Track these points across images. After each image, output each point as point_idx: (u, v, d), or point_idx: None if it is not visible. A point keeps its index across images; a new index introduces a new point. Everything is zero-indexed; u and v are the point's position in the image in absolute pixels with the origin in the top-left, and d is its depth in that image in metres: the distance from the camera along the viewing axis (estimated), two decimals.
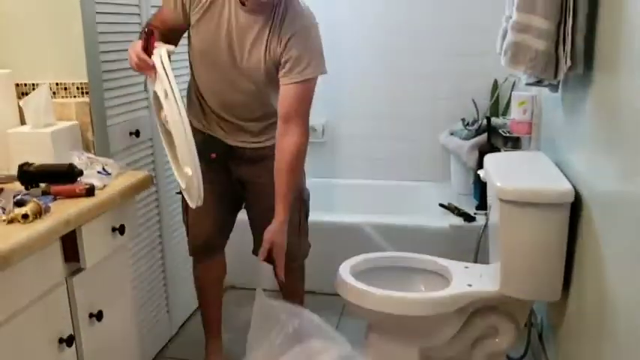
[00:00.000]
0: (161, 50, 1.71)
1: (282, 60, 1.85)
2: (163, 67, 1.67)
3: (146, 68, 1.73)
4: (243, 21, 1.85)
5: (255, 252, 2.19)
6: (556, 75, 1.78)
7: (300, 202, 2.14)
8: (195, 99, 2.04)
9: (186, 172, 1.75)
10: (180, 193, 2.02)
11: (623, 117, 1.46)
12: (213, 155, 2.00)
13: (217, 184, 2.07)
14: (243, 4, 1.84)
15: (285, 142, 1.89)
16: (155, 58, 1.70)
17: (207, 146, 1.98)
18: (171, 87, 1.66)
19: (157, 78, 1.71)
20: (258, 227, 2.11)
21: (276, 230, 1.90)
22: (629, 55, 1.43)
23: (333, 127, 3.59)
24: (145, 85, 1.88)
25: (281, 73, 1.87)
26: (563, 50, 1.72)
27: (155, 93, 1.75)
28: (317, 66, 1.87)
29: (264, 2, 1.80)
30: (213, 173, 2.02)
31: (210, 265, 2.30)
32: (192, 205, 1.82)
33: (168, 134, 1.81)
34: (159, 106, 1.78)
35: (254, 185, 2.11)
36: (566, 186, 1.80)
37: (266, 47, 1.86)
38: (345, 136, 3.58)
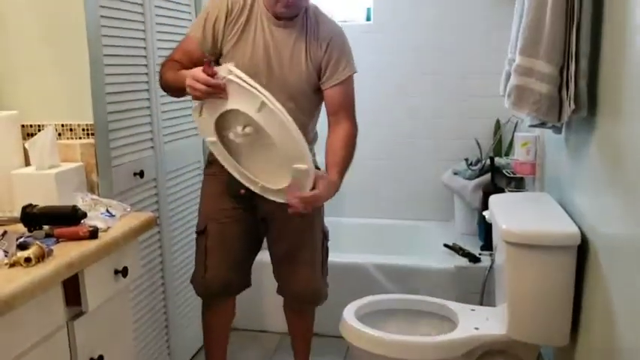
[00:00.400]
0: (229, 67, 1.73)
1: (323, 63, 1.96)
2: (246, 81, 1.69)
3: (217, 90, 1.73)
4: (279, 35, 1.92)
5: (280, 292, 2.18)
6: (559, 118, 1.78)
7: (324, 241, 2.14)
8: None
9: (298, 167, 1.77)
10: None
11: (627, 161, 1.46)
12: (242, 191, 2.00)
13: (242, 223, 2.06)
14: (278, 18, 1.91)
15: (336, 132, 1.99)
16: (230, 77, 1.71)
17: (235, 183, 1.98)
18: (265, 95, 1.69)
19: (233, 95, 1.73)
20: (282, 265, 2.11)
21: (327, 184, 1.86)
22: (632, 99, 1.44)
23: None
24: (200, 111, 1.85)
25: (323, 79, 1.97)
26: (567, 94, 1.73)
27: (222, 113, 1.79)
28: (352, 65, 2.02)
29: (298, 7, 1.87)
30: (238, 211, 2.04)
31: (222, 309, 2.25)
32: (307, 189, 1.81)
33: (236, 152, 1.88)
34: (228, 125, 1.81)
35: (280, 221, 2.09)
36: (572, 228, 1.79)
37: (306, 52, 1.94)
38: (349, 175, 3.58)
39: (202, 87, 1.73)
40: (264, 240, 2.22)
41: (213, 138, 1.88)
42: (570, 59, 1.72)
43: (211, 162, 2.09)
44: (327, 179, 1.87)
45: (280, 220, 2.08)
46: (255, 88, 1.69)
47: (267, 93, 1.69)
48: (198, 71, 1.74)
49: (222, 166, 1.99)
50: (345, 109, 2.00)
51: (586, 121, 1.80)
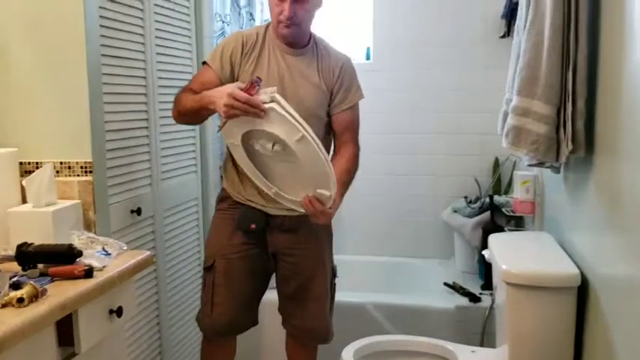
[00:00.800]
0: (270, 93, 1.73)
1: (335, 88, 2.01)
2: (289, 113, 1.71)
3: (257, 111, 1.71)
4: (291, 62, 1.98)
5: (287, 327, 2.19)
6: (557, 158, 1.78)
7: (332, 278, 2.13)
8: (233, 171, 2.05)
9: (322, 192, 1.81)
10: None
11: (626, 201, 1.46)
12: (253, 226, 2.00)
13: (251, 259, 2.05)
14: (290, 46, 1.96)
15: (341, 153, 2.06)
16: (272, 105, 1.71)
17: (246, 218, 1.99)
18: (306, 129, 1.71)
19: (272, 121, 1.73)
20: (292, 300, 2.10)
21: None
22: (629, 140, 1.44)
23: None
24: (220, 128, 1.87)
25: (334, 103, 2.03)
26: (564, 134, 1.73)
27: (256, 133, 1.80)
28: (360, 91, 2.11)
29: (296, 23, 1.89)
30: (248, 247, 2.04)
31: (225, 346, 2.21)
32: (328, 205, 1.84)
33: (255, 157, 1.90)
34: (255, 135, 1.82)
35: (290, 257, 2.09)
36: (572, 270, 1.78)
37: (319, 77, 1.99)
38: (349, 212, 3.58)
39: (242, 105, 1.70)
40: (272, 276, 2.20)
41: (236, 142, 1.87)
42: (567, 100, 1.73)
43: (223, 198, 2.10)
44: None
45: (291, 255, 2.08)
46: (298, 122, 1.70)
47: (307, 126, 1.72)
48: (237, 90, 1.72)
49: (235, 202, 2.02)
50: (351, 132, 2.08)
51: (584, 160, 1.80)
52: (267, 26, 2.03)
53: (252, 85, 1.74)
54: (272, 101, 1.70)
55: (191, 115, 1.95)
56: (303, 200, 1.81)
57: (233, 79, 1.98)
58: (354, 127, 2.09)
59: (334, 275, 2.18)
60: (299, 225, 2.03)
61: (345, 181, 1.99)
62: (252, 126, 1.78)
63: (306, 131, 1.70)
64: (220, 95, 1.75)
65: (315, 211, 1.82)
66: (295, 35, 1.95)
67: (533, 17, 1.84)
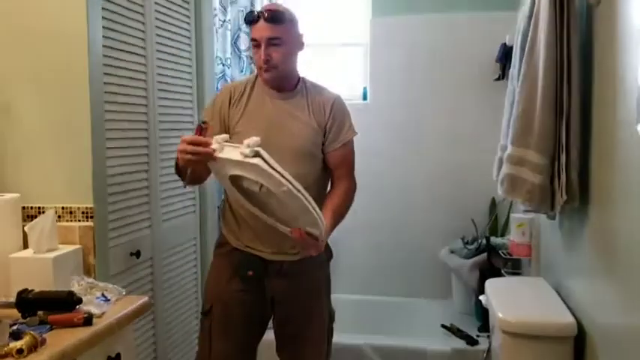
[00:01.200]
0: (254, 142, 1.65)
1: (327, 126, 2.00)
2: (272, 167, 1.67)
3: (205, 150, 1.65)
4: (281, 105, 1.98)
5: None
6: (552, 207, 1.81)
7: (330, 322, 2.13)
8: (231, 215, 2.04)
9: (311, 231, 1.78)
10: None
11: (621, 250, 1.48)
12: (251, 273, 1.99)
13: (248, 305, 2.03)
14: (278, 91, 1.97)
15: (336, 186, 2.05)
16: (255, 161, 1.64)
17: (244, 264, 1.98)
18: (290, 182, 1.67)
19: (257, 173, 1.68)
20: (289, 344, 2.09)
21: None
22: (622, 190, 1.47)
23: (332, 241, 3.60)
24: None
25: (327, 141, 2.01)
26: (559, 184, 1.76)
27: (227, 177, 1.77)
28: (353, 128, 2.07)
29: (274, 65, 1.89)
30: (246, 294, 2.01)
31: None
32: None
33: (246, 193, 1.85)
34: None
35: (288, 302, 2.07)
36: (568, 319, 1.79)
37: (309, 112, 1.99)
38: (345, 251, 3.59)
39: (190, 147, 1.66)
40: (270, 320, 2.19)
41: (225, 180, 1.84)
42: (561, 150, 1.76)
43: (222, 243, 2.09)
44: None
45: (289, 300, 2.07)
46: (282, 176, 1.67)
47: (291, 180, 1.68)
48: (186, 135, 1.71)
49: (233, 248, 2.01)
50: (346, 168, 2.07)
51: (579, 209, 1.83)
52: (257, 75, 2.05)
53: (198, 128, 1.72)
54: (255, 156, 1.66)
55: (185, 176, 1.88)
56: (293, 233, 1.79)
57: (224, 128, 1.98)
58: (347, 163, 2.07)
59: (332, 320, 2.18)
60: (297, 270, 2.03)
61: (337, 215, 1.97)
62: (236, 172, 1.75)
63: (291, 184, 1.68)
64: None
65: (305, 244, 1.81)
66: (276, 78, 1.96)
67: (527, 69, 1.89)
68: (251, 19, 1.89)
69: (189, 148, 1.68)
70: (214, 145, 1.66)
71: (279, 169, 1.67)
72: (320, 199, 2.00)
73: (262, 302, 2.07)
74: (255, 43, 1.90)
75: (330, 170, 2.08)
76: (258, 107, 1.99)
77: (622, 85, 1.48)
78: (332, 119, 2.01)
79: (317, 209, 1.75)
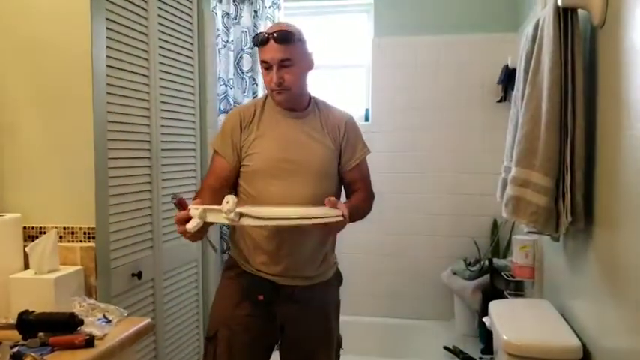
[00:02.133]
0: (230, 208, 1.60)
1: (343, 144, 2.00)
2: (256, 218, 1.63)
3: (185, 234, 1.67)
4: (294, 125, 1.96)
5: None
6: (557, 229, 1.80)
7: (338, 348, 2.10)
8: (241, 239, 2.00)
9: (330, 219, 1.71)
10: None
11: (627, 273, 1.47)
12: (261, 297, 1.94)
13: (254, 331, 1.97)
14: (291, 110, 1.96)
15: (355, 195, 2.05)
16: (242, 221, 1.62)
17: (254, 287, 1.94)
18: (279, 220, 1.65)
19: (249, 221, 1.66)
20: None
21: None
22: (627, 211, 1.46)
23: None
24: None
25: (343, 162, 2.01)
26: (563, 206, 1.75)
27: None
28: (367, 146, 2.08)
29: (287, 87, 1.89)
30: (253, 319, 1.96)
31: None
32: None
33: None
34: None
35: (296, 328, 2.01)
36: (573, 342, 1.77)
37: (324, 131, 1.98)
38: (348, 272, 3.57)
39: (179, 227, 1.68)
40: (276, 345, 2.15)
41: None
42: (566, 172, 1.75)
43: (231, 265, 2.04)
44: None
45: (298, 327, 2.02)
46: (274, 219, 1.65)
47: (283, 213, 1.66)
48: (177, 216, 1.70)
49: (242, 271, 1.97)
50: (364, 182, 2.07)
51: (583, 231, 1.82)
52: (266, 96, 2.03)
53: (177, 206, 1.68)
54: (242, 216, 1.62)
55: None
56: (326, 202, 1.73)
57: (240, 157, 1.96)
58: (364, 178, 2.08)
59: (339, 346, 2.15)
60: (308, 295, 1.99)
61: (354, 206, 1.92)
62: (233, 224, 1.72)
63: (285, 220, 1.66)
64: None
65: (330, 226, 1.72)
66: (289, 99, 1.95)
67: (531, 91, 1.89)
68: (260, 41, 1.87)
69: (178, 229, 1.69)
70: (193, 221, 1.62)
71: (267, 214, 1.64)
72: (320, 264, 2.01)
73: (270, 328, 2.01)
74: (266, 65, 1.88)
75: (346, 187, 2.08)
76: (273, 127, 1.96)
77: (627, 106, 1.48)
78: (347, 139, 2.00)
79: (319, 213, 1.69)
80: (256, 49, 2.07)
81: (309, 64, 1.96)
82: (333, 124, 2.01)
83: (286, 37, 1.85)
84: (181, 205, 1.67)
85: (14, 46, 1.92)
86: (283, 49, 1.84)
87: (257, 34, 1.91)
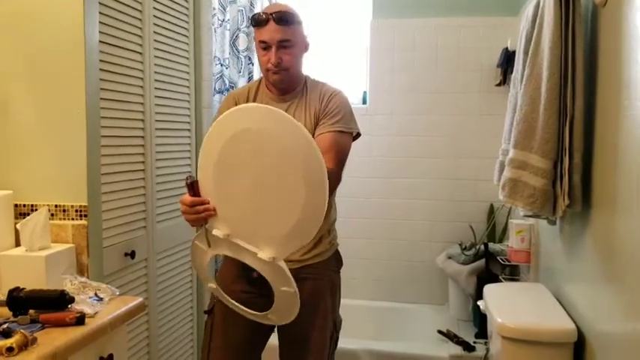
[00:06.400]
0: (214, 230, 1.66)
1: (321, 112, 1.93)
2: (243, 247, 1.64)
3: (206, 208, 1.65)
4: (283, 108, 1.90)
5: None
6: (554, 212, 1.79)
7: (334, 332, 2.09)
8: None
9: (285, 290, 1.71)
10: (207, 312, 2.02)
11: (622, 256, 1.46)
12: (255, 274, 1.93)
13: (250, 307, 1.96)
14: (284, 91, 1.95)
15: None
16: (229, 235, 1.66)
17: (248, 265, 1.94)
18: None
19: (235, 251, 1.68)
20: (289, 351, 2.05)
21: None
22: (625, 195, 1.45)
23: None
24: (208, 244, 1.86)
25: (318, 126, 1.92)
26: (561, 188, 1.74)
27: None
28: (349, 122, 1.94)
29: (284, 67, 1.87)
30: (249, 296, 1.95)
31: None
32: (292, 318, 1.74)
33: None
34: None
35: None
36: (568, 325, 1.77)
37: (306, 109, 1.94)
38: (343, 257, 3.56)
39: (189, 209, 1.66)
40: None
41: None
42: (564, 154, 1.74)
43: None
44: None
45: None
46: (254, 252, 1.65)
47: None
48: (184, 196, 1.69)
49: None
50: (333, 154, 1.88)
51: (580, 214, 1.81)
52: (260, 80, 2.04)
53: (189, 187, 1.66)
54: (228, 235, 1.65)
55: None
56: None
57: None
58: (335, 151, 1.89)
59: (337, 329, 2.14)
60: (302, 276, 1.99)
61: None
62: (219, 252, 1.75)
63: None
64: None
65: None
66: (285, 80, 1.94)
67: (530, 72, 1.87)
68: (259, 21, 1.85)
69: (191, 210, 1.66)
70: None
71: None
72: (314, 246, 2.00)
73: (265, 305, 2.02)
74: (265, 45, 1.86)
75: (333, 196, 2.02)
76: None
77: (627, 86, 1.46)
78: (326, 105, 1.94)
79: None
80: (252, 28, 2.04)
81: (305, 46, 1.96)
82: (318, 95, 1.97)
83: (287, 17, 1.83)
84: (194, 188, 1.65)
85: (2, 22, 1.88)
86: (283, 30, 1.83)
87: (256, 14, 1.89)
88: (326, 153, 1.88)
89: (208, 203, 1.65)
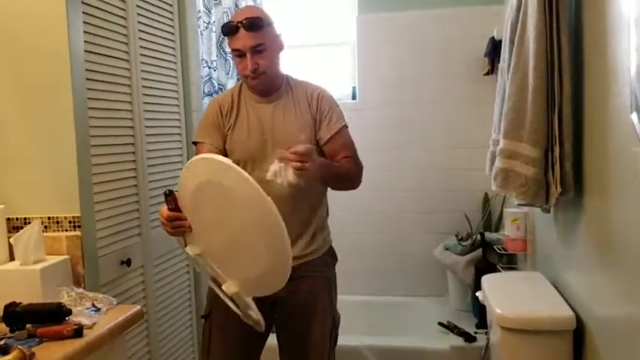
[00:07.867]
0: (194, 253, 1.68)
1: (317, 116, 1.97)
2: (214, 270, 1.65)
3: (182, 224, 1.67)
4: (268, 109, 1.96)
5: None
6: (547, 200, 1.79)
7: (333, 329, 2.09)
8: None
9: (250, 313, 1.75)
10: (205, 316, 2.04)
11: (617, 241, 1.46)
12: None
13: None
14: (263, 96, 1.95)
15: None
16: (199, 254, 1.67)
17: None
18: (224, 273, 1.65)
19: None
20: (288, 350, 2.05)
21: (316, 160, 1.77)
22: (618, 180, 1.45)
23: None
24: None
25: (320, 133, 1.97)
26: (553, 177, 1.74)
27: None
28: (341, 115, 2.02)
29: (261, 71, 1.87)
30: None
31: None
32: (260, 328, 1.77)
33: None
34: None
35: (288, 306, 2.02)
36: (567, 312, 1.77)
37: (295, 107, 1.96)
38: (339, 252, 3.56)
39: (167, 223, 1.68)
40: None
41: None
42: (554, 142, 1.74)
43: None
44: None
45: (289, 304, 2.03)
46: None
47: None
48: (161, 208, 1.71)
49: None
50: (348, 151, 2.00)
51: (574, 201, 1.81)
52: (241, 84, 2.03)
53: (167, 201, 1.66)
54: (199, 255, 1.67)
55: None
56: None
57: (224, 142, 1.97)
58: (347, 148, 2.00)
59: (335, 325, 2.14)
60: (298, 275, 1.99)
61: (336, 166, 1.93)
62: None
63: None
64: None
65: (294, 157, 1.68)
66: (264, 83, 1.94)
67: (517, 61, 1.86)
68: (230, 30, 1.86)
69: (167, 224, 1.68)
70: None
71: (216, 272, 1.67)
72: (315, 208, 2.02)
73: (261, 308, 2.02)
74: (238, 53, 1.88)
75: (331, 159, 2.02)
76: (249, 116, 1.97)
77: (614, 73, 1.46)
78: (320, 109, 1.98)
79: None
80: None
81: (279, 46, 1.96)
82: (305, 96, 1.99)
83: (256, 23, 1.85)
84: (173, 201, 1.65)
85: None
86: (254, 36, 1.84)
87: (225, 24, 1.91)
88: (341, 151, 1.99)
89: (185, 219, 1.66)
